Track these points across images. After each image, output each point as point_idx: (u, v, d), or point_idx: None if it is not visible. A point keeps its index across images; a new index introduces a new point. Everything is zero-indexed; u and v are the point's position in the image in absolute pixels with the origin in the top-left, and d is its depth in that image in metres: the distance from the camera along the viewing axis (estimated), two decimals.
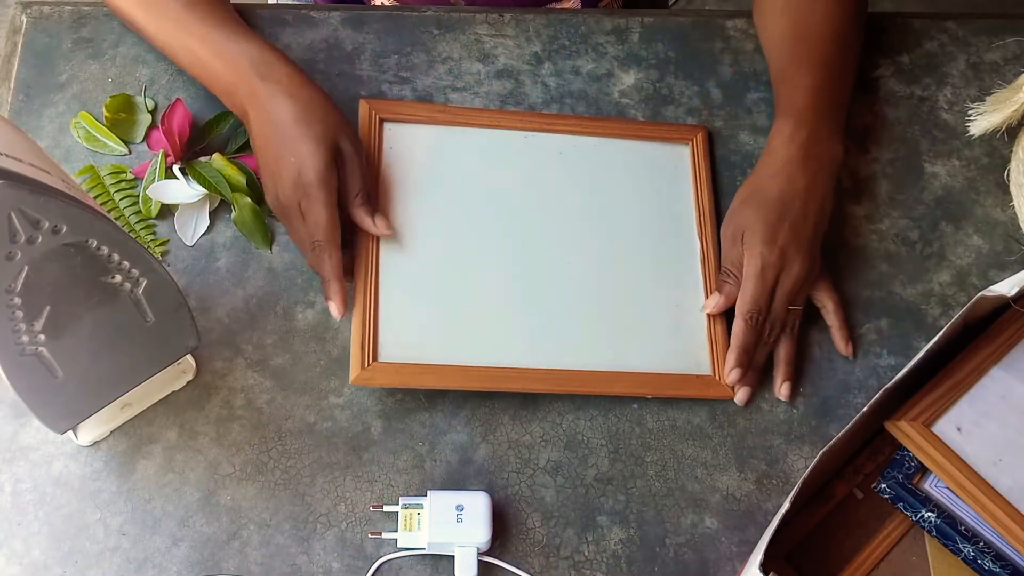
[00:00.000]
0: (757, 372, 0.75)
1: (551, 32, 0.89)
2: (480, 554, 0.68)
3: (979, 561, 0.64)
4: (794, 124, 0.78)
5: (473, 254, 0.76)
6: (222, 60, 0.73)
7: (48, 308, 0.57)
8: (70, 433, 0.69)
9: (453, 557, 0.68)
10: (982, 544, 0.64)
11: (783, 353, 0.76)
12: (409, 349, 0.72)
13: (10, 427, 0.71)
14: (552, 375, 0.73)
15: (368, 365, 0.70)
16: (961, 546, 0.64)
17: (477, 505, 0.68)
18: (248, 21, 0.86)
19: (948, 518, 0.65)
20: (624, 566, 0.70)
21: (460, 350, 0.73)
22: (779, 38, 0.84)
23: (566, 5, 0.96)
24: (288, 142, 0.70)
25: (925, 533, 0.67)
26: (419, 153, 0.79)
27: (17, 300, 0.55)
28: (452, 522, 0.67)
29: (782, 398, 0.75)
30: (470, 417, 0.74)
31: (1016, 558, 0.64)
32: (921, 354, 0.65)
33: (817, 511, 0.69)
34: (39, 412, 0.62)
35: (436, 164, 0.79)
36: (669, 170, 0.83)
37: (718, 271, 0.78)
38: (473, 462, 0.72)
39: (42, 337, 0.58)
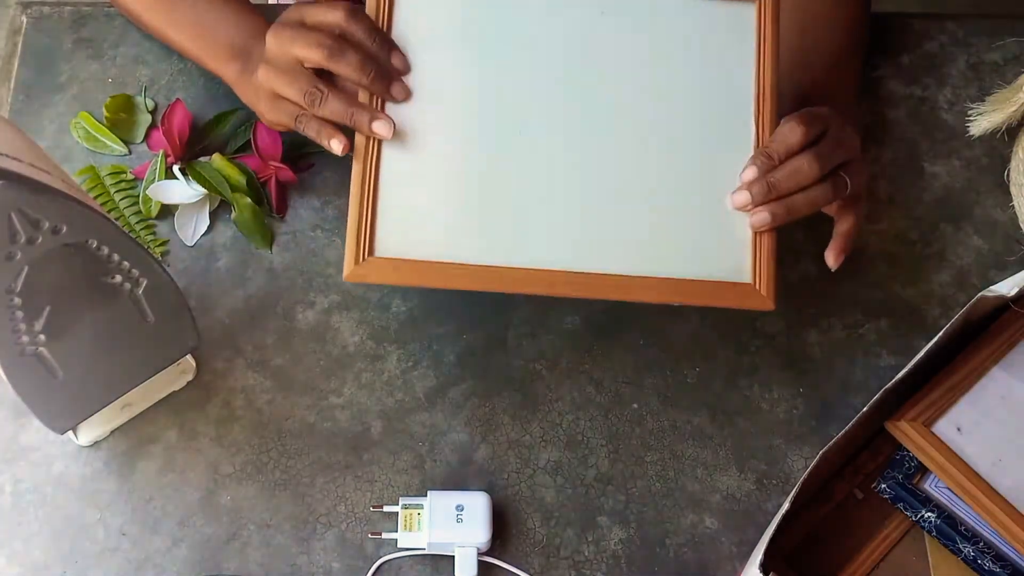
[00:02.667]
0: (781, 206, 0.66)
1: None
2: (480, 554, 0.68)
3: (979, 561, 0.64)
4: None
5: (487, 134, 0.66)
6: (207, 35, 0.75)
7: (48, 308, 0.57)
8: (70, 433, 0.69)
9: (453, 557, 0.68)
10: (982, 544, 0.64)
11: (842, 225, 0.70)
12: (411, 245, 0.64)
13: (10, 427, 0.71)
14: (574, 278, 0.65)
15: (363, 260, 0.63)
16: (961, 546, 0.64)
17: (477, 505, 0.68)
18: None
19: (948, 518, 0.65)
20: (624, 566, 0.70)
21: (469, 247, 0.64)
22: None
23: None
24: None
25: (925, 533, 0.67)
26: (428, 8, 0.67)
27: (17, 300, 0.55)
28: (452, 522, 0.67)
29: (829, 264, 0.70)
30: (470, 417, 0.74)
31: (1016, 558, 0.64)
32: (921, 354, 0.65)
33: (817, 511, 0.69)
34: (39, 412, 0.62)
35: (446, 22, 0.67)
36: (729, 36, 0.69)
37: None
38: (473, 462, 0.72)
39: (42, 337, 0.58)
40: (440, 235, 0.65)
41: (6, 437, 0.70)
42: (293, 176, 0.79)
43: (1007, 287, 0.63)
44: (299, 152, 0.81)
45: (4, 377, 0.59)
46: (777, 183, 0.65)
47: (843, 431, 0.62)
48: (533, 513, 0.71)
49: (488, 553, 0.69)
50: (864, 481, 0.70)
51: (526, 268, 0.64)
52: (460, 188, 0.66)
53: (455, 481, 0.72)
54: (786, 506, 0.60)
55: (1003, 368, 0.68)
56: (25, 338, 0.57)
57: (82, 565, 0.67)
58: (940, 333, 0.64)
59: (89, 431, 0.70)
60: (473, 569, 0.67)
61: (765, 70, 0.68)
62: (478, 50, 0.67)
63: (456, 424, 0.73)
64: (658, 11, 0.68)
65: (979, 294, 0.64)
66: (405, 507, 0.69)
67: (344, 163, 0.81)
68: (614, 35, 0.68)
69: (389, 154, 0.65)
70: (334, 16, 0.65)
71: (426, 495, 0.69)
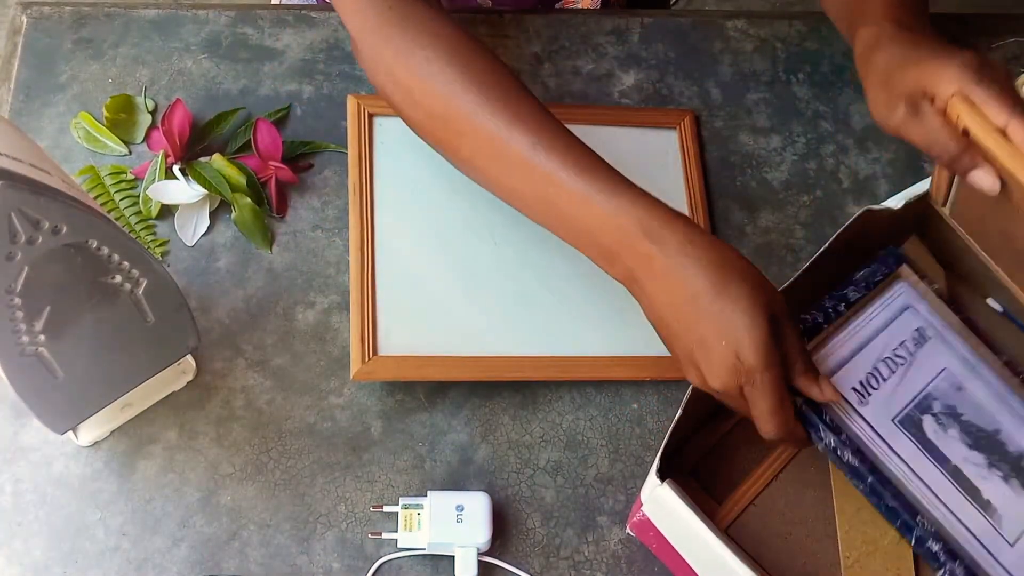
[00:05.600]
0: None
1: (551, 32, 0.89)
2: (480, 554, 0.68)
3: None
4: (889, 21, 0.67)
5: (468, 245, 0.77)
6: (597, 218, 0.61)
7: (48, 308, 0.57)
8: (70, 433, 0.69)
9: (453, 557, 0.68)
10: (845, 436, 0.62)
11: None
12: (409, 342, 0.72)
13: (10, 427, 0.71)
14: (553, 363, 0.73)
15: (368, 359, 0.70)
16: (823, 434, 0.62)
17: (477, 505, 0.68)
18: (248, 22, 0.86)
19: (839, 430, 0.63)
20: (624, 566, 0.70)
21: (460, 342, 0.73)
22: None
23: (584, 5, 0.96)
24: (711, 319, 0.56)
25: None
26: (410, 146, 0.78)
27: (17, 300, 0.55)
28: (452, 522, 0.67)
29: None
30: (470, 417, 0.74)
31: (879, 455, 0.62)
32: (803, 269, 0.64)
33: (719, 427, 0.70)
34: (39, 412, 0.62)
35: (428, 156, 0.78)
36: (659, 155, 0.84)
37: None
38: (473, 462, 0.72)
39: (42, 337, 0.58)
40: (435, 333, 0.73)
41: (6, 437, 0.70)
42: (293, 176, 0.79)
43: (895, 201, 0.66)
44: (299, 152, 0.81)
45: (4, 377, 0.59)
46: None
47: None
48: (533, 513, 0.71)
49: (488, 553, 0.69)
50: None
51: (516, 356, 0.73)
52: (445, 295, 0.74)
53: (455, 481, 0.72)
54: (679, 413, 0.61)
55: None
56: (25, 338, 0.57)
57: (82, 565, 0.67)
58: (821, 249, 0.64)
59: (89, 431, 0.70)
60: (473, 569, 0.67)
61: (692, 176, 0.83)
62: (450, 176, 0.74)
63: (456, 424, 0.73)
64: (601, 137, 0.78)
65: (864, 208, 0.65)
66: (405, 507, 0.69)
67: (344, 163, 0.81)
68: None
69: (383, 268, 0.74)
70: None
71: (426, 495, 0.69)
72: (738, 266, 0.58)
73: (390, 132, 0.79)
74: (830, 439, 0.61)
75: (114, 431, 0.71)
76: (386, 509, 0.70)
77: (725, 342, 0.56)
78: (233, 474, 0.71)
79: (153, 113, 0.82)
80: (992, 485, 0.64)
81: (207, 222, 0.78)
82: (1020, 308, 0.70)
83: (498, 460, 0.73)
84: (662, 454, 0.61)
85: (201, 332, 0.67)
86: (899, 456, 0.63)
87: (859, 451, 0.62)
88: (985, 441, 0.66)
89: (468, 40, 0.67)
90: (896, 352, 0.67)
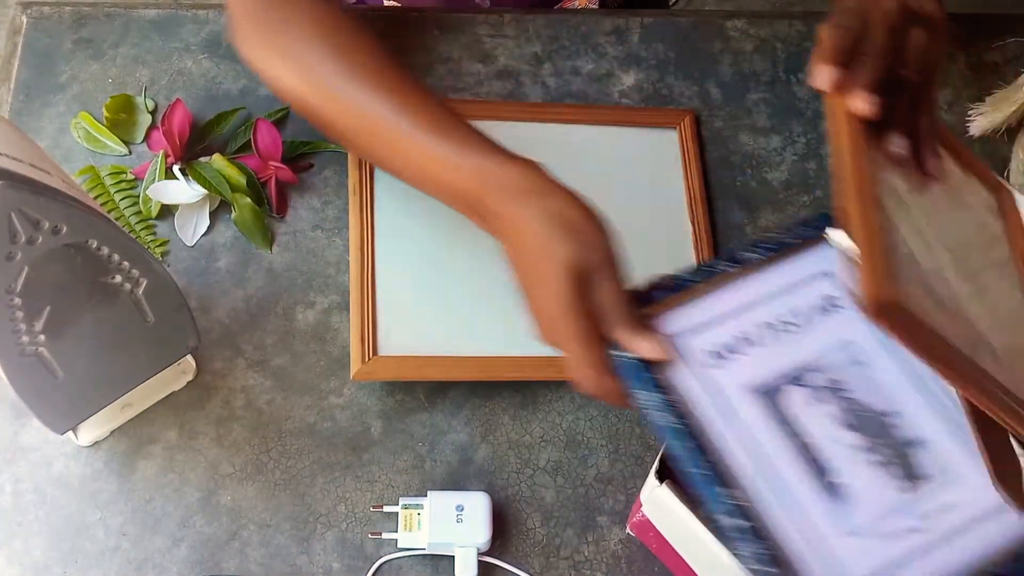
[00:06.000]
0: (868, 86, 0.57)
1: (551, 32, 0.89)
2: (480, 554, 0.68)
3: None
4: None
5: (468, 244, 0.76)
6: (460, 179, 0.62)
7: (48, 308, 0.57)
8: (70, 433, 0.69)
9: (453, 557, 0.68)
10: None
11: (920, 125, 0.61)
12: (409, 342, 0.72)
13: (10, 427, 0.71)
14: (553, 363, 0.73)
15: (368, 359, 0.70)
16: (640, 391, 0.57)
17: (477, 505, 0.68)
18: None
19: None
20: (624, 566, 0.70)
21: (460, 342, 0.73)
22: None
23: (580, 4, 0.96)
24: (531, 273, 0.58)
25: None
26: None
27: (17, 300, 0.55)
28: (452, 522, 0.67)
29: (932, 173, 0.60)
30: (470, 417, 0.74)
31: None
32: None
33: None
34: (39, 412, 0.62)
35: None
36: (659, 155, 0.84)
37: (711, 255, 0.76)
38: (473, 462, 0.72)
39: (42, 337, 0.58)
40: (435, 333, 0.73)
41: (6, 437, 0.70)
42: (293, 176, 0.79)
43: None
44: (299, 152, 0.81)
45: (4, 377, 0.59)
46: None
47: None
48: (533, 513, 0.71)
49: (488, 553, 0.69)
50: None
51: (516, 356, 0.73)
52: (445, 295, 0.74)
53: (455, 481, 0.72)
54: None
55: None
56: (25, 338, 0.57)
57: (82, 565, 0.67)
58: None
59: (89, 431, 0.70)
60: (473, 569, 0.67)
61: (692, 176, 0.83)
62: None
63: (456, 424, 0.73)
64: (601, 137, 0.83)
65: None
66: (405, 507, 0.69)
67: (344, 163, 0.81)
68: (563, 161, 0.72)
69: (383, 268, 0.74)
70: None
71: (426, 495, 0.69)
72: (565, 217, 0.58)
73: None
74: (650, 398, 0.56)
75: (114, 431, 0.71)
76: (386, 509, 0.70)
77: (540, 292, 0.57)
78: (233, 474, 0.71)
79: (153, 113, 0.82)
80: (857, 469, 0.58)
81: (207, 222, 0.78)
82: None
83: (498, 460, 0.73)
84: (662, 456, 0.61)
85: (201, 332, 0.67)
86: (740, 424, 0.57)
87: (683, 415, 0.56)
88: (869, 423, 0.60)
89: (336, 17, 0.69)
90: (784, 319, 0.61)
